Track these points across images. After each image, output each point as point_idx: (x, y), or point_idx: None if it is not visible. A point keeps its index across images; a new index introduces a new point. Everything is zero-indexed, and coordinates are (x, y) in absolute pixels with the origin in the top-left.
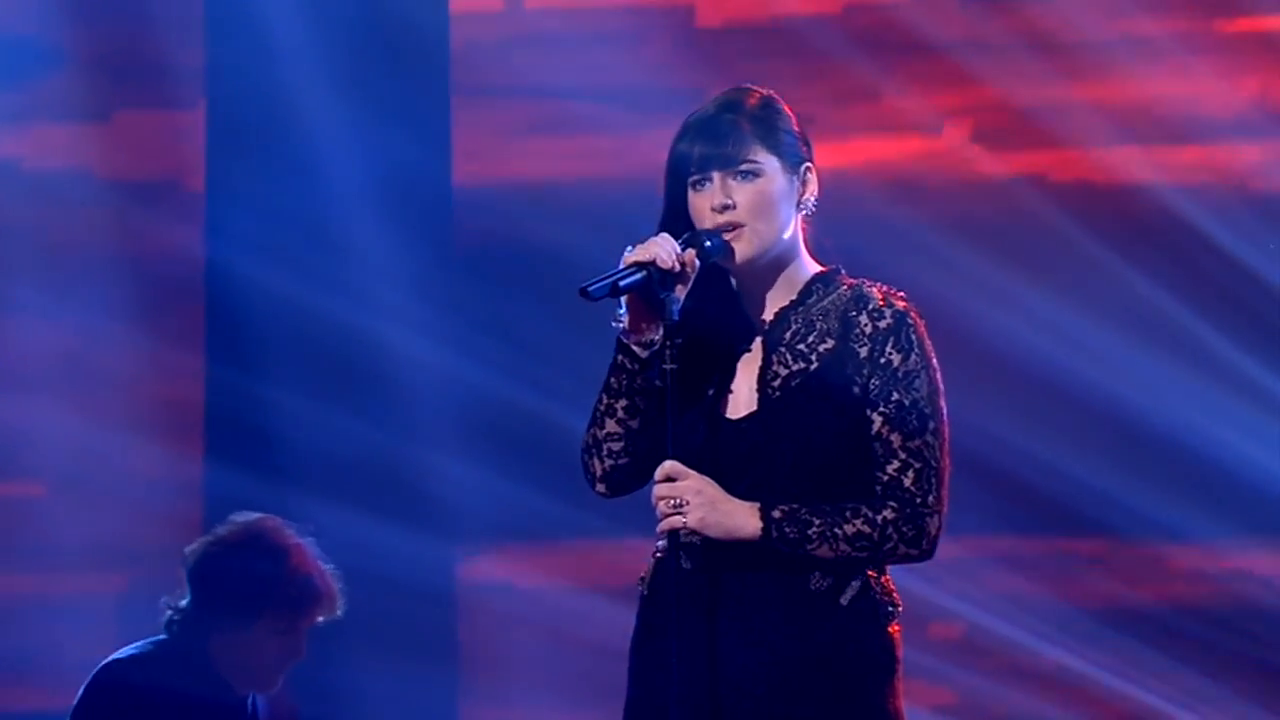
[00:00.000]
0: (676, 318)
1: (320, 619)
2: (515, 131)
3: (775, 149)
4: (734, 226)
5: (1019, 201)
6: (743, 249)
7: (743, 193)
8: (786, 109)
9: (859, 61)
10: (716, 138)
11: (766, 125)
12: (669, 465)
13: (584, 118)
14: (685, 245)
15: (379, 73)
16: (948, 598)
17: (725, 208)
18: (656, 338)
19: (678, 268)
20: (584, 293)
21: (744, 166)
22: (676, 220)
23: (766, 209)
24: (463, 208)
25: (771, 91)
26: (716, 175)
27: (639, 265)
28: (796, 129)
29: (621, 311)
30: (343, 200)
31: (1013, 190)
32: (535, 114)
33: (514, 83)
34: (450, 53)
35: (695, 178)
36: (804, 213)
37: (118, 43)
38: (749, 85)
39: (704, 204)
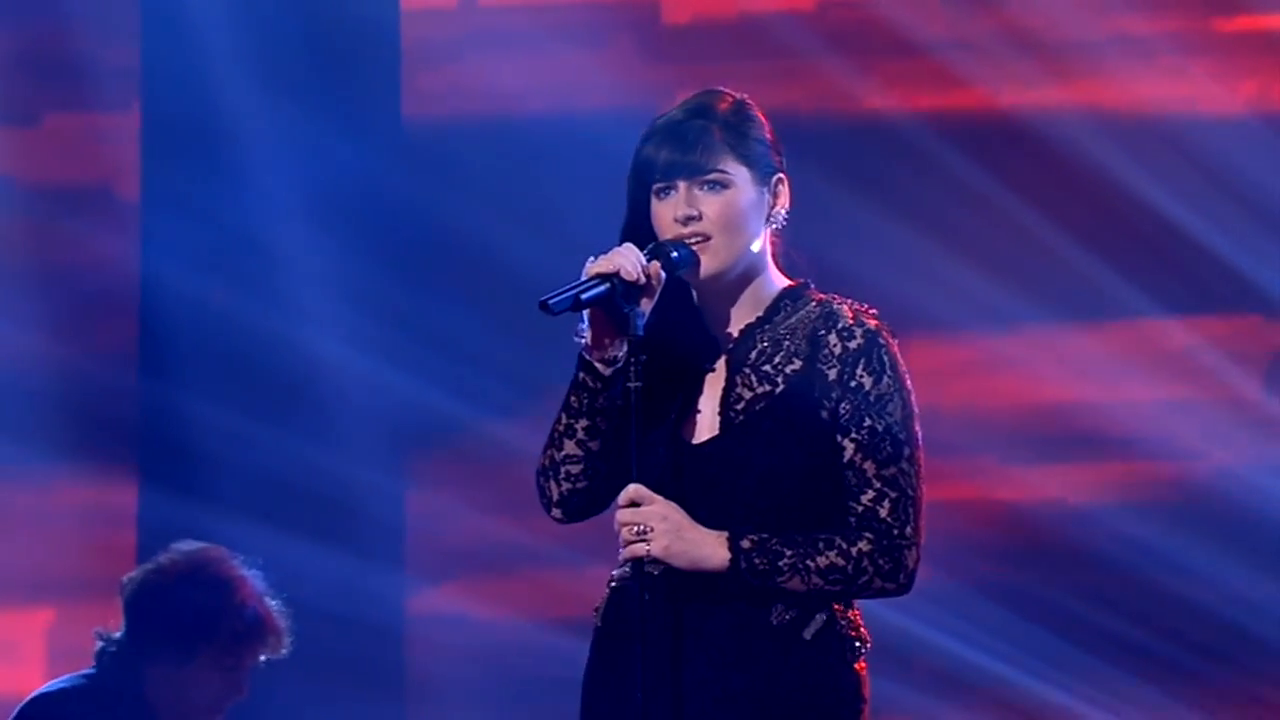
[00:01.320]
0: (641, 332)
1: (264, 657)
2: (468, 137)
3: (746, 158)
4: (699, 238)
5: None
6: (708, 263)
7: (709, 204)
8: (760, 115)
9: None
10: (684, 144)
11: (738, 133)
12: (634, 489)
13: (542, 121)
14: (650, 256)
15: (325, 74)
16: (929, 629)
17: (690, 219)
18: (620, 354)
19: (643, 280)
20: (544, 306)
21: (712, 176)
22: (639, 228)
23: (734, 222)
24: (412, 217)
25: (746, 96)
26: (682, 184)
27: (602, 277)
28: (770, 137)
29: (583, 326)
30: (286, 209)
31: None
32: (491, 118)
33: (468, 85)
34: (401, 53)
35: (660, 185)
36: (774, 226)
37: (45, 41)
38: (721, 89)
39: (667, 213)
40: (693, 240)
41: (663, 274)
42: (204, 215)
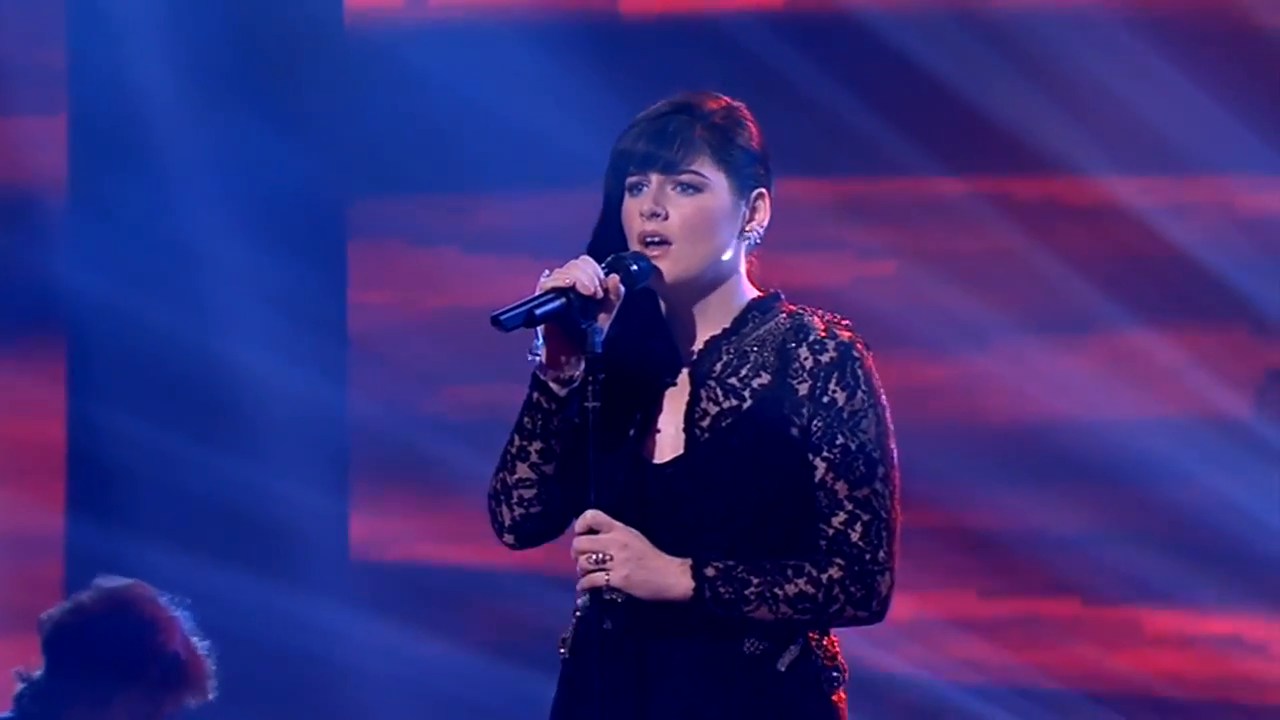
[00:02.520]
0: (599, 350)
1: (189, 702)
2: (418, 139)
3: (726, 164)
4: (661, 240)
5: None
6: (668, 269)
7: (678, 205)
8: (752, 124)
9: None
10: (663, 138)
11: (722, 136)
12: (591, 515)
13: (495, 124)
14: (609, 269)
15: (262, 75)
16: (904, 662)
17: (655, 215)
18: (576, 373)
19: (600, 294)
20: (496, 322)
21: (685, 177)
22: (612, 226)
23: (701, 229)
24: (357, 224)
25: (740, 103)
26: (655, 178)
27: (557, 291)
28: (757, 148)
29: (538, 343)
30: (220, 218)
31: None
32: (441, 118)
33: (416, 85)
34: (343, 54)
35: (633, 178)
36: (748, 243)
37: None
38: (713, 91)
39: (635, 208)
40: (653, 240)
41: (622, 288)
42: (134, 224)
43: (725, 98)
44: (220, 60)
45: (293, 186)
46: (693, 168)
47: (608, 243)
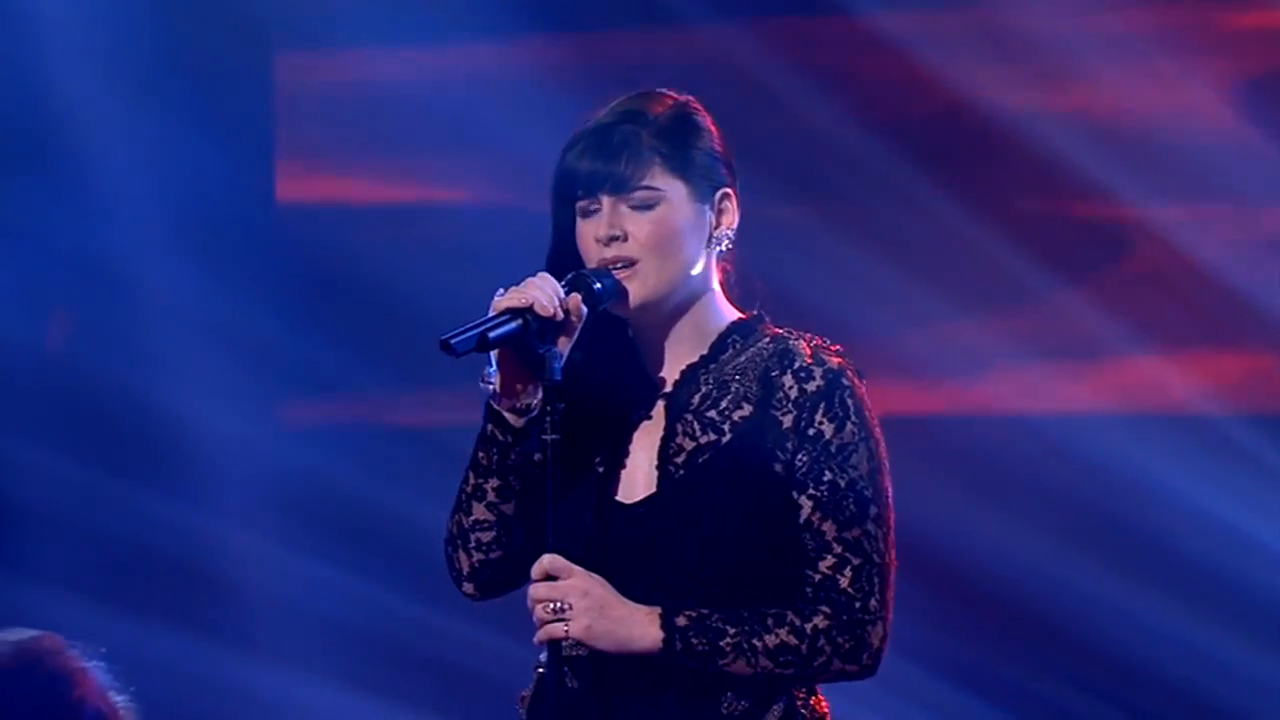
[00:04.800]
0: (559, 377)
1: None
2: (351, 142)
3: (682, 171)
4: (624, 263)
5: None
6: (635, 290)
7: (636, 223)
8: (706, 121)
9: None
10: (608, 153)
11: (674, 141)
12: (548, 561)
13: (432, 126)
14: (570, 288)
15: (186, 76)
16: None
17: (613, 239)
18: (534, 401)
19: (560, 315)
20: (445, 346)
21: (639, 194)
22: (565, 251)
23: (666, 244)
24: (287, 236)
25: (690, 98)
26: (606, 200)
27: (513, 312)
28: (716, 147)
29: (491, 370)
30: (141, 232)
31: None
32: (375, 120)
33: (349, 84)
34: (272, 51)
35: (583, 201)
36: (717, 248)
37: None
38: (663, 90)
39: (590, 234)
40: (617, 265)
41: (584, 309)
42: (44, 239)
43: (672, 94)
44: (141, 59)
45: (221, 197)
46: (645, 183)
47: (564, 268)
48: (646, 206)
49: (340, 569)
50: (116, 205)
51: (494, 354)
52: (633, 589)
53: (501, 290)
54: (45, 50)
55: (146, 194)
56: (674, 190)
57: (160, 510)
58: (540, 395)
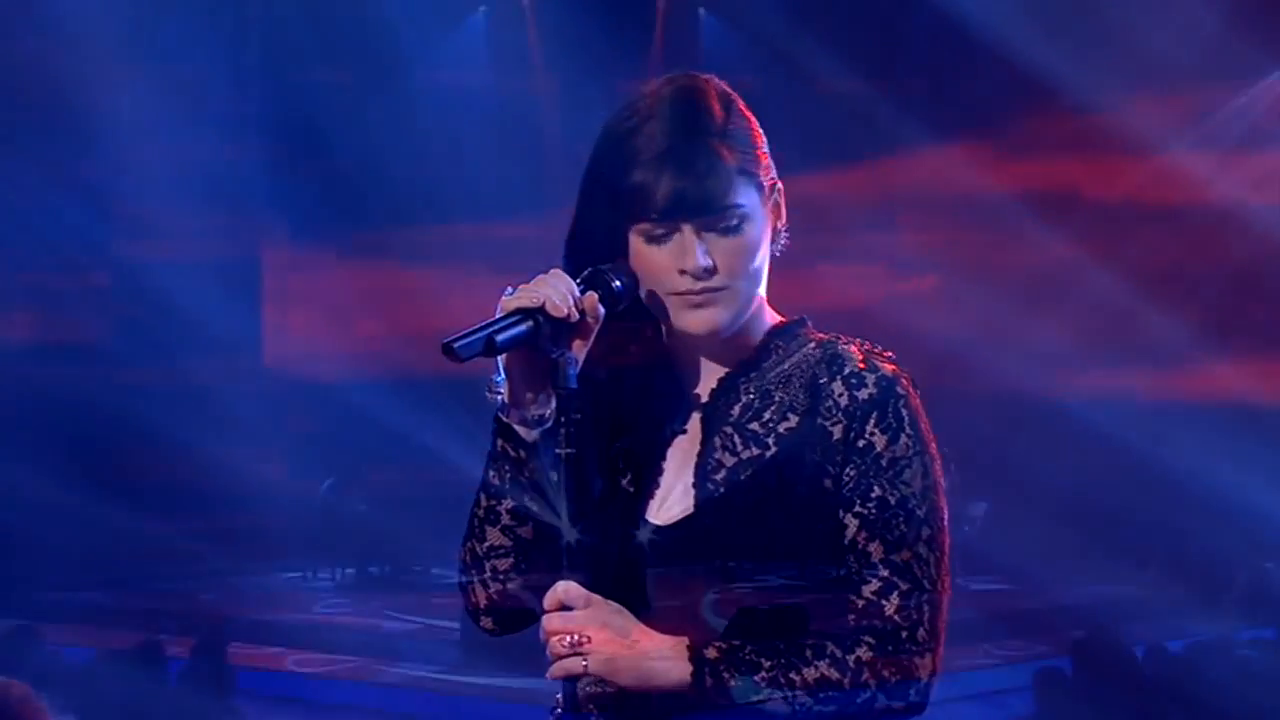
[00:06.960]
0: (574, 384)
1: None
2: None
3: (755, 178)
4: (710, 293)
5: None
6: (718, 318)
7: (723, 249)
8: (746, 109)
9: None
10: (690, 173)
11: (742, 145)
12: (562, 589)
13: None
14: (586, 286)
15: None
16: None
17: (708, 272)
18: (546, 411)
19: (575, 316)
20: (448, 351)
21: (725, 216)
22: (584, 247)
23: (751, 266)
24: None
25: (723, 85)
26: (688, 226)
27: (523, 313)
28: (761, 136)
29: (499, 378)
30: None
31: None
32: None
33: None
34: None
35: (657, 228)
36: (777, 248)
37: None
38: (697, 76)
39: (667, 263)
40: (702, 297)
41: (601, 309)
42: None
43: (714, 82)
44: None
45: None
46: (734, 201)
47: (584, 260)
48: (732, 229)
49: None
50: None
51: (502, 359)
52: (665, 619)
53: (510, 289)
54: None
55: None
56: (751, 202)
57: None
58: (554, 405)
